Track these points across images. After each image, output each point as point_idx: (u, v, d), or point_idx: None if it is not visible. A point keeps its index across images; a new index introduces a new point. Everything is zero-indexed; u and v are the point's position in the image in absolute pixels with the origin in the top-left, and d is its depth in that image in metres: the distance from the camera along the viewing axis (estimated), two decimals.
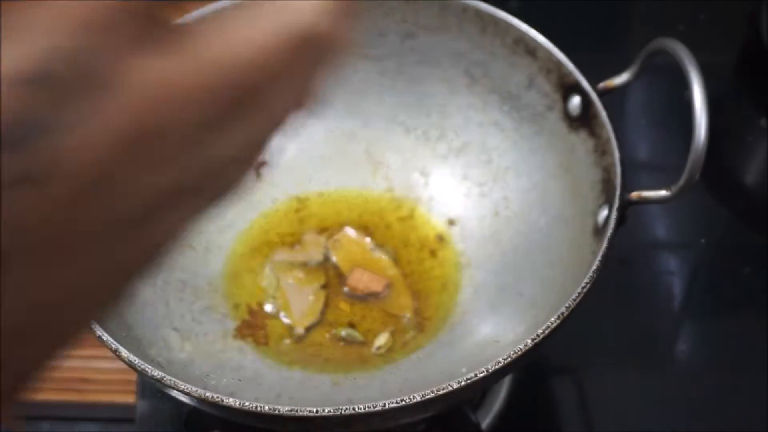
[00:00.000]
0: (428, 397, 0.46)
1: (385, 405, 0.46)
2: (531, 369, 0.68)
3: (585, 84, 0.59)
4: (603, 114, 0.57)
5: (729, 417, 0.67)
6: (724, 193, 0.81)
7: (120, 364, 0.71)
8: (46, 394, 0.69)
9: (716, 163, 0.81)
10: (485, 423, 0.65)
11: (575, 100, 0.60)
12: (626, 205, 0.54)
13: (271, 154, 0.72)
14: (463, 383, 0.46)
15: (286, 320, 0.62)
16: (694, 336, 0.73)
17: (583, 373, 0.70)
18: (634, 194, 0.54)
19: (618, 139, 0.56)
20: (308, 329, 0.62)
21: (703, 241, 0.78)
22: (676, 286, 0.75)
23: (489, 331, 0.59)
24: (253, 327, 0.62)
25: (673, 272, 0.75)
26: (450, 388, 0.46)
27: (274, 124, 0.25)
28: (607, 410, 0.68)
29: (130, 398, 0.68)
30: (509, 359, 0.47)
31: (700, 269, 0.77)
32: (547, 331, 0.48)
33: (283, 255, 0.66)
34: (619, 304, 0.73)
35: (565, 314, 0.49)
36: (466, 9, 0.63)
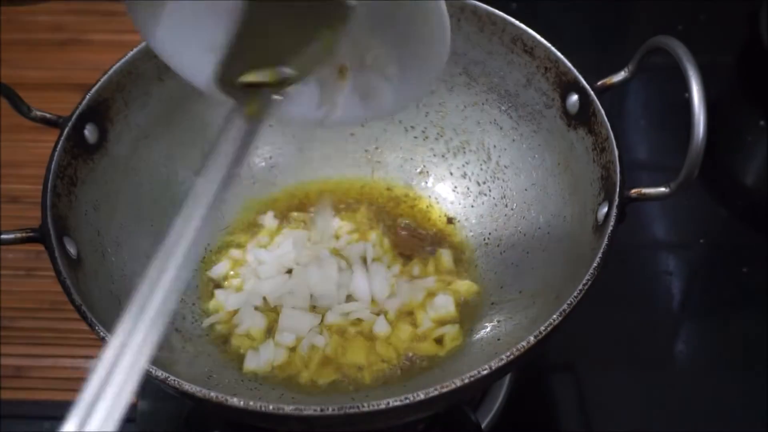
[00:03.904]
0: (432, 395, 0.45)
1: (389, 404, 0.45)
2: (530, 369, 0.68)
3: (583, 82, 0.58)
4: (601, 111, 0.57)
5: (728, 417, 0.67)
6: (723, 193, 0.81)
7: None
8: (47, 394, 0.68)
9: (716, 163, 0.81)
10: (485, 422, 0.65)
11: (573, 98, 0.59)
12: (626, 202, 0.53)
13: (271, 153, 0.71)
14: (466, 381, 0.46)
15: None
16: (693, 336, 0.73)
17: (582, 372, 0.70)
18: (634, 191, 0.54)
19: (617, 136, 0.56)
20: None
21: (702, 241, 0.78)
22: (675, 286, 0.75)
23: (490, 329, 0.59)
24: None
25: (673, 272, 0.75)
26: (453, 386, 0.46)
27: None
28: (606, 410, 0.68)
29: None
30: (512, 356, 0.47)
31: (699, 269, 0.77)
32: (549, 329, 0.48)
33: None
34: (618, 303, 0.73)
35: (567, 311, 0.49)
36: (463, 8, 0.63)
